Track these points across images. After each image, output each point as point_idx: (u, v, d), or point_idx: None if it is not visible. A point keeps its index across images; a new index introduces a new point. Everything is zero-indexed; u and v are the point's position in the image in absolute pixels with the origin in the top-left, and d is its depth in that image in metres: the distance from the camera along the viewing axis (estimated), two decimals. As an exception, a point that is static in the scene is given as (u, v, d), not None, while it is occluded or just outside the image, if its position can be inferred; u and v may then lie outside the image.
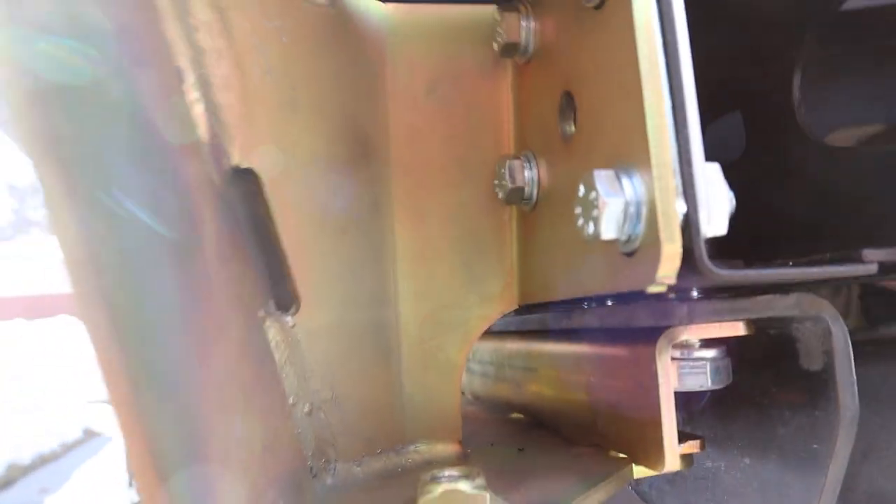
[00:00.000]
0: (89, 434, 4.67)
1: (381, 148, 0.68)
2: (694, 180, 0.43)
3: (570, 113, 0.56)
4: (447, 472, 0.53)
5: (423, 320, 0.69)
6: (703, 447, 0.60)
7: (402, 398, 0.69)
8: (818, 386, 0.54)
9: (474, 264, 0.70)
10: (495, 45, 0.65)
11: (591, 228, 0.45)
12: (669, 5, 0.44)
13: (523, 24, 0.63)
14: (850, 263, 0.46)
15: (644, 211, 0.44)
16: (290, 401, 0.61)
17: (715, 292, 0.53)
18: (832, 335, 0.52)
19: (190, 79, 0.53)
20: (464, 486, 0.51)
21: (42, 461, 4.24)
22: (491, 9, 0.67)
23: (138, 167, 0.44)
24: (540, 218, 0.64)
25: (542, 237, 0.64)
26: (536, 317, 0.81)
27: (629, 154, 0.45)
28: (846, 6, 0.60)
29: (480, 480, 0.51)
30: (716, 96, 0.73)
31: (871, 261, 0.45)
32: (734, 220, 0.44)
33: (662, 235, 0.42)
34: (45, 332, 7.57)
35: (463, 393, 1.15)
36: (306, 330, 0.62)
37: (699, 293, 0.53)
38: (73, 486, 3.59)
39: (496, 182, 0.66)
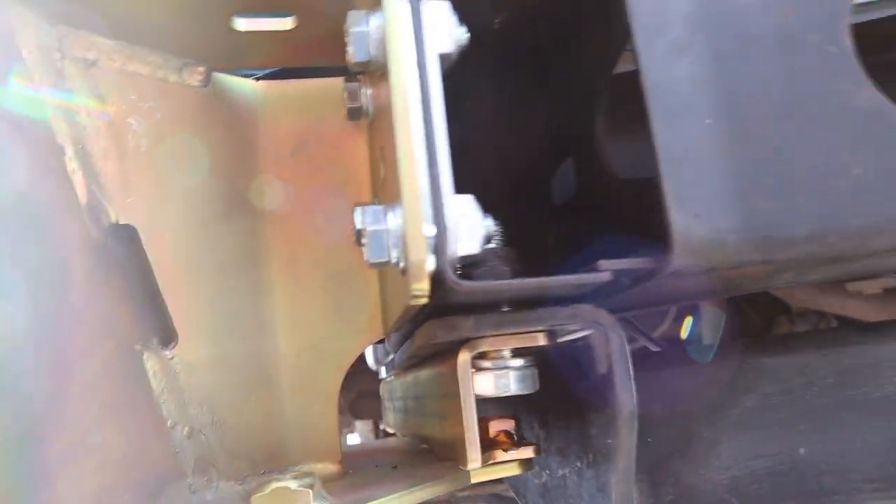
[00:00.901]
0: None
1: (255, 202, 0.78)
2: (443, 209, 0.53)
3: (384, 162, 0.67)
4: (286, 478, 0.61)
5: (300, 352, 0.78)
6: (537, 452, 0.68)
7: (283, 423, 0.78)
8: (607, 387, 0.62)
9: (343, 301, 0.79)
10: (344, 110, 0.76)
11: (366, 255, 0.55)
12: (424, 71, 0.55)
13: (362, 91, 0.74)
14: (589, 272, 0.54)
15: (400, 237, 0.53)
16: (169, 423, 0.69)
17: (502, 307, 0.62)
18: (609, 340, 0.60)
19: (69, 152, 0.64)
20: (291, 484, 0.59)
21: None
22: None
23: (17, 225, 0.55)
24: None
25: (389, 272, 0.73)
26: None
27: (395, 192, 0.55)
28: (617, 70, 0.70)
29: (309, 480, 0.60)
30: (553, 147, 0.84)
31: (605, 270, 0.54)
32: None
33: (410, 255, 0.51)
34: None
35: (390, 432, 1.23)
36: (185, 362, 0.72)
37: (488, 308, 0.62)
38: None
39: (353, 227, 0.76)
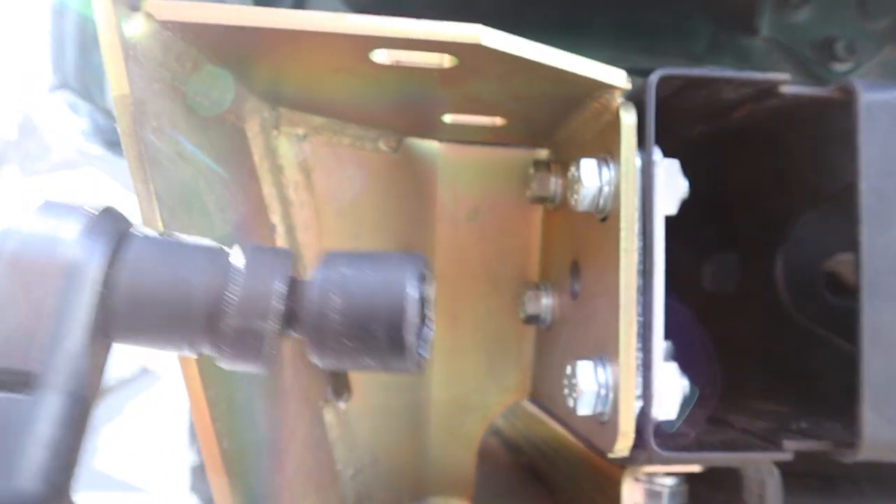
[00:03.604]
0: (144, 372, 5.04)
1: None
2: (651, 380, 0.57)
3: (577, 276, 0.70)
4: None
5: (450, 402, 0.85)
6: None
7: (429, 462, 0.85)
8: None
9: (496, 361, 0.84)
10: (528, 194, 0.78)
11: (571, 403, 0.59)
12: (651, 230, 0.57)
13: (552, 180, 0.75)
14: (771, 451, 0.59)
15: (611, 396, 0.58)
16: (339, 467, 0.77)
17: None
18: (766, 485, 0.65)
19: (280, 230, 0.69)
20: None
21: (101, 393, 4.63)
22: (526, 151, 0.80)
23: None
24: (553, 337, 0.78)
25: (552, 354, 0.78)
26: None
27: (606, 346, 0.59)
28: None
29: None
30: (716, 237, 0.85)
31: (788, 450, 0.59)
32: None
33: (620, 422, 0.56)
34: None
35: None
36: (355, 412, 0.78)
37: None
38: (124, 419, 3.96)
39: (519, 303, 0.80)
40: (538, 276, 0.82)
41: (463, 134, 0.78)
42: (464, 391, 0.85)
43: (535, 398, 0.84)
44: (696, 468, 0.68)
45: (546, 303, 0.78)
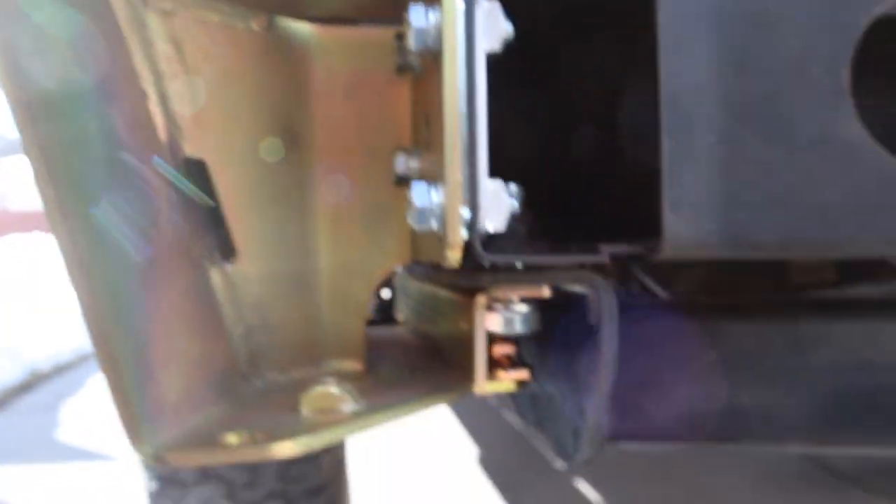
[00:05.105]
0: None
1: (307, 137, 0.88)
2: (477, 193, 0.64)
3: (429, 127, 0.76)
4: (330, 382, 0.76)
5: (336, 269, 0.91)
6: (532, 375, 0.82)
7: (320, 326, 0.92)
8: (596, 336, 0.74)
9: (377, 229, 0.91)
10: (394, 65, 0.84)
11: (410, 221, 0.66)
12: (473, 62, 0.64)
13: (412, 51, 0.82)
14: (588, 254, 0.66)
15: (441, 213, 0.64)
16: (229, 326, 0.83)
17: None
18: (601, 300, 0.73)
19: (153, 98, 0.74)
20: (334, 389, 0.74)
21: (59, 370, 4.66)
22: (396, 29, 0.86)
23: (111, 170, 0.65)
24: (422, 198, 0.85)
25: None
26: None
27: (438, 173, 0.66)
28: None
29: (348, 386, 0.74)
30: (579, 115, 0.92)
31: (603, 252, 0.66)
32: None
33: (449, 234, 0.63)
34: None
35: (402, 323, 1.38)
36: (243, 275, 0.85)
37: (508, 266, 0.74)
38: (86, 392, 3.99)
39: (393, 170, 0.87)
40: (410, 143, 0.89)
41: (327, 7, 0.83)
42: (348, 258, 0.91)
43: (416, 260, 0.91)
44: (544, 293, 0.76)
45: (413, 165, 0.84)
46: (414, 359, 1.04)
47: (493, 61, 0.67)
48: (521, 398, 1.03)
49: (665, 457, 2.43)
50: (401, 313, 1.39)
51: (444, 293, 0.96)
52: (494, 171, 0.67)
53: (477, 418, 2.97)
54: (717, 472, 2.36)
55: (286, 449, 0.64)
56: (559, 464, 0.82)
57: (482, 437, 2.85)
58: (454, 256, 0.64)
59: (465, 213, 0.64)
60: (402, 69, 0.83)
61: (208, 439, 0.66)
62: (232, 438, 0.65)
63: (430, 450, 2.77)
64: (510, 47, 0.67)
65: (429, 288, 1.07)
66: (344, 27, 0.87)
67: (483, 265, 0.71)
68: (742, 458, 2.45)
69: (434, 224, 0.65)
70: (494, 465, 2.55)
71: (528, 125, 0.95)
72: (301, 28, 0.87)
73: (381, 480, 2.43)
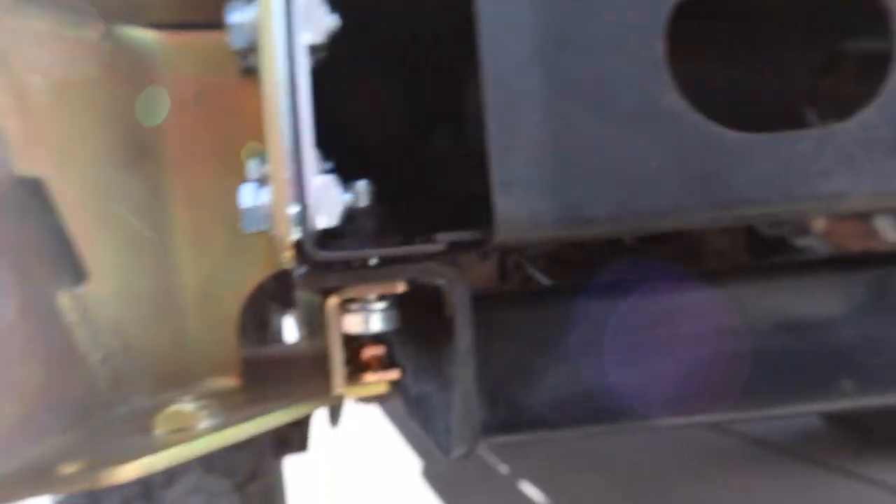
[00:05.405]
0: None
1: (156, 148, 0.85)
2: (304, 190, 0.62)
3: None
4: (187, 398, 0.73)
5: (201, 284, 0.88)
6: (402, 376, 0.81)
7: (188, 344, 0.88)
8: (452, 328, 0.73)
9: (242, 238, 0.88)
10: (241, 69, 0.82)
11: (241, 226, 0.64)
12: (294, 55, 0.62)
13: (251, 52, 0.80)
14: (427, 244, 0.65)
15: (268, 213, 0.62)
16: (83, 351, 0.80)
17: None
18: (453, 291, 0.71)
19: (-28, 111, 0.70)
20: (189, 406, 0.71)
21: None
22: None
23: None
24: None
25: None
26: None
27: (270, 173, 0.64)
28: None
29: (208, 402, 0.71)
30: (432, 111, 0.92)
31: (441, 241, 0.65)
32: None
33: (276, 231, 0.61)
34: None
35: (301, 337, 1.35)
36: (96, 297, 0.81)
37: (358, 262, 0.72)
38: None
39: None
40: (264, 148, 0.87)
41: (166, 11, 0.81)
42: (213, 271, 0.88)
43: (279, 269, 0.88)
44: (398, 288, 0.74)
45: (265, 169, 0.82)
46: (301, 371, 1.01)
47: (351, 59, 0.66)
48: (409, 400, 1.01)
49: (609, 447, 2.46)
50: (299, 327, 1.36)
51: (317, 300, 0.93)
52: (344, 167, 0.66)
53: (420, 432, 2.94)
54: (658, 456, 2.40)
55: (126, 472, 0.61)
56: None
57: (425, 450, 2.83)
58: (286, 255, 0.62)
59: (293, 208, 0.62)
60: (248, 72, 0.81)
61: (44, 471, 0.62)
62: (69, 468, 0.61)
63: (373, 465, 2.73)
64: (367, 43, 0.66)
65: (308, 297, 1.04)
66: (190, 33, 0.85)
67: (325, 265, 0.69)
68: (684, 440, 2.50)
69: (264, 225, 0.63)
70: (438, 477, 2.53)
71: (388, 119, 0.94)
72: (143, 35, 0.84)
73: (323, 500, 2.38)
